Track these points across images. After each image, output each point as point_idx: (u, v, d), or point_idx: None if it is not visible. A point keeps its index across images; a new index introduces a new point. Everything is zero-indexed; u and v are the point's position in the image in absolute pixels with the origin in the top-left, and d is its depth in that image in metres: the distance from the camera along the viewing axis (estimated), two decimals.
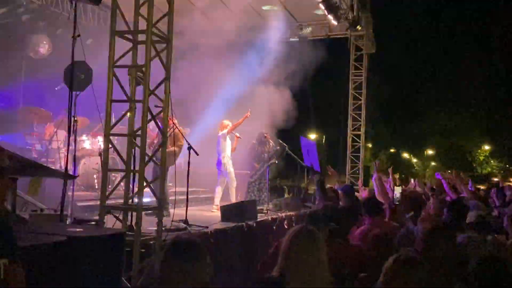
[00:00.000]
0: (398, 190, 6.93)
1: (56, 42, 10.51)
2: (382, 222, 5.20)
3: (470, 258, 3.24)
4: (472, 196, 6.50)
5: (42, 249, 3.12)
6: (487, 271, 2.97)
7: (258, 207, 9.33)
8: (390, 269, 2.54)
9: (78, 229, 3.75)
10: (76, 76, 5.85)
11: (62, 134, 8.82)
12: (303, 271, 2.65)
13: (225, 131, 9.80)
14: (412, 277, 2.46)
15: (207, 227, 6.81)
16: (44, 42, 10.07)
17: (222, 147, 9.81)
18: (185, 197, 10.77)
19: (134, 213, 4.80)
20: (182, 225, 6.67)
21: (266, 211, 9.23)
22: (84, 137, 9.43)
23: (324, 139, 28.29)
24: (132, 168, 4.90)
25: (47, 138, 9.13)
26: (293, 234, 2.81)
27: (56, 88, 9.03)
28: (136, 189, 4.82)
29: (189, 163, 7.08)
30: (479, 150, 46.87)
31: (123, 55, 4.92)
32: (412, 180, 13.04)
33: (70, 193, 6.53)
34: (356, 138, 14.97)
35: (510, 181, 23.87)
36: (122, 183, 5.23)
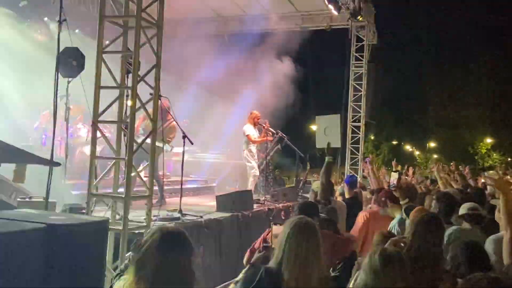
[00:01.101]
0: (394, 176, 6.84)
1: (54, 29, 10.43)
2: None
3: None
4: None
5: (19, 235, 3.03)
6: (467, 256, 3.06)
7: (257, 197, 9.31)
8: (367, 266, 2.54)
9: (60, 217, 3.66)
10: (68, 62, 5.79)
11: (59, 121, 8.73)
12: (300, 263, 2.62)
13: (248, 131, 9.75)
14: (389, 273, 2.43)
15: (201, 217, 6.75)
16: (42, 29, 9.94)
17: (244, 141, 9.84)
18: (189, 186, 10.89)
19: None
20: (176, 214, 6.61)
21: (263, 201, 9.17)
22: (80, 125, 9.35)
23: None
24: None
25: (43, 125, 9.05)
26: (291, 225, 2.76)
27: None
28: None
29: (183, 152, 7.00)
30: (481, 143, 46.65)
31: (113, 41, 4.81)
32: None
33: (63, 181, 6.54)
34: (356, 130, 14.86)
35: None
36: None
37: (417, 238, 3.11)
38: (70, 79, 5.98)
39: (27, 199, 5.08)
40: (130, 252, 4.07)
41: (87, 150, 9.03)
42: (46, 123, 9.07)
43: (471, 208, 4.38)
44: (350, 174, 13.55)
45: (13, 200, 4.95)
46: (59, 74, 5.36)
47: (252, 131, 9.81)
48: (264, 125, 10.19)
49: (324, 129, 6.76)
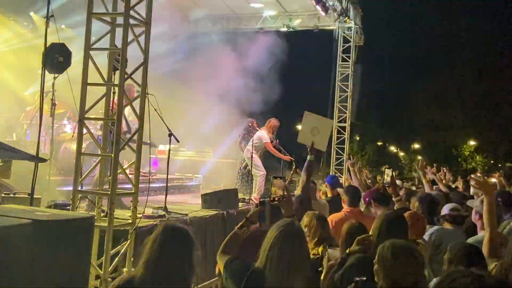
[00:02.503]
0: (388, 173, 6.96)
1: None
2: (358, 212, 5.16)
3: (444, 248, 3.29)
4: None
5: (5, 230, 3.03)
6: (460, 257, 3.09)
7: (242, 196, 9.32)
8: (386, 256, 2.56)
9: (46, 213, 3.66)
10: (54, 58, 5.77)
11: (44, 118, 8.68)
12: (283, 268, 2.61)
13: (266, 139, 9.63)
14: (410, 262, 2.48)
15: (186, 215, 6.76)
16: (26, 23, 9.84)
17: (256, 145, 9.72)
18: (175, 184, 10.86)
19: None
20: (161, 212, 6.61)
21: (248, 200, 9.20)
22: (65, 121, 9.28)
23: None
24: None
25: (27, 121, 8.99)
26: (278, 230, 2.72)
27: None
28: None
29: (169, 150, 7.01)
30: (465, 146, 47.26)
31: (100, 38, 4.81)
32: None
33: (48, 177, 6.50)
34: (341, 130, 14.96)
35: (493, 176, 24.01)
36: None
37: (381, 236, 3.15)
38: (56, 75, 5.95)
39: (12, 195, 5.06)
40: None
41: (71, 146, 9.00)
42: (31, 118, 9.00)
43: (452, 209, 4.48)
44: (332, 174, 13.63)
45: None
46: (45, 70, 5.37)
47: (268, 140, 9.71)
48: (250, 124, 10.22)
49: (311, 128, 6.63)
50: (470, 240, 3.84)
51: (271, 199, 3.63)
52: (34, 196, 4.97)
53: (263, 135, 9.73)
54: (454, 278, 1.82)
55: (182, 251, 2.67)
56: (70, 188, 7.33)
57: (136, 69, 4.81)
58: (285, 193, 3.55)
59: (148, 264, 2.64)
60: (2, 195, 4.97)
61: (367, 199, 5.12)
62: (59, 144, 8.92)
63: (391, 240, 2.69)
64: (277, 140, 10.11)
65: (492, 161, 47.14)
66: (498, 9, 48.89)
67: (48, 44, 5.37)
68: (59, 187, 7.32)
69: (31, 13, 10.04)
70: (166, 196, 6.99)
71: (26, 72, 9.31)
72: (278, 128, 10.02)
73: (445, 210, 4.54)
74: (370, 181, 8.63)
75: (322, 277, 3.26)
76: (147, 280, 2.60)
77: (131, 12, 4.65)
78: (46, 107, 6.30)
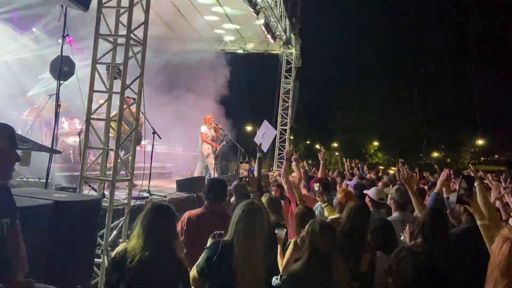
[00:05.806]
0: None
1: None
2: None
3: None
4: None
5: (34, 209, 2.95)
6: (380, 231, 3.27)
7: None
8: (308, 233, 2.64)
9: (62, 195, 3.57)
10: (60, 68, 5.53)
11: (44, 116, 8.33)
12: (247, 239, 2.61)
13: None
14: (324, 237, 2.57)
15: (165, 196, 6.73)
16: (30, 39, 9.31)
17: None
18: (152, 171, 10.61)
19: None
20: (146, 194, 6.52)
21: None
22: (63, 119, 8.90)
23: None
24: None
25: (31, 119, 8.55)
26: (242, 208, 2.69)
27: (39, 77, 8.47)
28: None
29: (153, 145, 6.90)
30: (370, 145, 49.54)
31: (104, 54, 4.68)
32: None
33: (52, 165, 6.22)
34: (283, 132, 15.25)
35: (392, 169, 25.24)
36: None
37: (349, 219, 3.22)
38: (61, 81, 5.70)
39: (25, 179, 4.83)
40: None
41: (68, 140, 8.65)
42: (34, 116, 8.57)
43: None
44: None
45: (12, 180, 4.68)
46: (52, 77, 5.16)
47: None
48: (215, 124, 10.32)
49: (263, 133, 7.03)
50: (388, 218, 4.05)
51: (240, 178, 3.59)
52: (42, 181, 4.78)
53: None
54: (401, 256, 1.90)
55: (167, 224, 2.62)
56: (68, 174, 7.11)
57: (134, 80, 4.73)
58: (250, 174, 3.54)
59: (140, 235, 2.57)
60: (17, 179, 4.74)
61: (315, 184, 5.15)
62: (57, 138, 8.54)
63: (318, 219, 2.79)
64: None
65: (389, 157, 49.68)
66: (398, 40, 51.51)
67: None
68: (58, 173, 7.03)
69: (34, 29, 9.48)
70: (149, 181, 6.89)
71: (30, 78, 8.81)
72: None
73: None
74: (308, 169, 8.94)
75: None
76: (139, 248, 2.54)
77: (131, 35, 4.57)
78: (51, 107, 6.02)
